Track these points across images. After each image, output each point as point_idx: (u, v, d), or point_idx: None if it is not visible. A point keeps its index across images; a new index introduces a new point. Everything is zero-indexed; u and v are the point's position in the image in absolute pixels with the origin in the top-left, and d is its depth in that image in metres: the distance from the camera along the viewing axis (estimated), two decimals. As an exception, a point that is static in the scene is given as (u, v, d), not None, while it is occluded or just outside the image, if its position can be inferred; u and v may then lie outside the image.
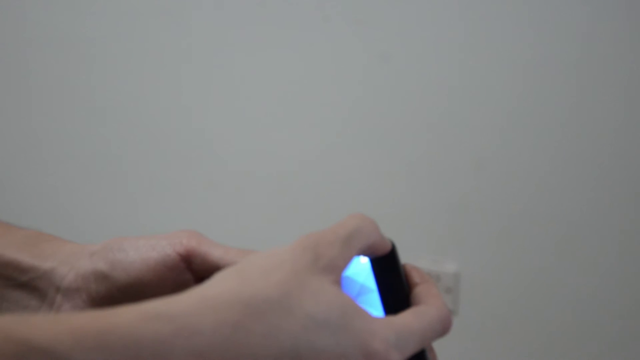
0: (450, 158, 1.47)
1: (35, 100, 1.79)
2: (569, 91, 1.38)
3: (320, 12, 1.51)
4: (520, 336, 1.49)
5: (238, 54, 1.60)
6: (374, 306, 0.48)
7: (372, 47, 1.49)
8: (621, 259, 1.40)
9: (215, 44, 1.61)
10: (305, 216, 1.60)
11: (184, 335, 0.38)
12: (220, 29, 1.60)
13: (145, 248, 0.53)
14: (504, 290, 1.48)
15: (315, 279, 0.41)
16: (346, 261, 0.44)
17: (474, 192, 1.46)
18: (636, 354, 1.42)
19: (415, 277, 0.49)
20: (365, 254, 0.46)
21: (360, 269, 0.49)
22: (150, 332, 0.37)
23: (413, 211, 1.50)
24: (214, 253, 0.53)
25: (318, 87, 1.55)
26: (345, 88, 1.53)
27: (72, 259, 0.54)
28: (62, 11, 1.73)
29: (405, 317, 0.44)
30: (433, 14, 1.43)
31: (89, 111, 1.75)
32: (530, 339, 1.48)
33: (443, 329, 0.45)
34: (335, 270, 0.43)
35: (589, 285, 1.42)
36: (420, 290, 0.48)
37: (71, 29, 1.72)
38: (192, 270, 0.53)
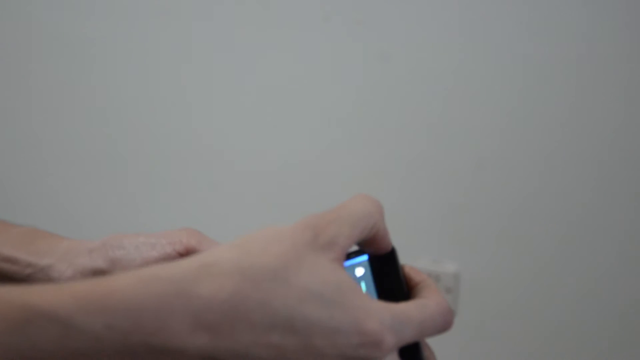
0: (450, 158, 1.47)
1: (35, 100, 1.79)
2: (569, 91, 1.38)
3: (320, 12, 1.51)
4: (520, 336, 1.49)
5: (238, 54, 1.60)
6: None
7: (372, 47, 1.49)
8: (621, 259, 1.40)
9: (215, 44, 1.61)
10: (305, 215, 1.59)
11: (183, 297, 0.38)
12: (220, 29, 1.60)
13: (145, 246, 0.54)
14: (503, 291, 1.48)
15: (314, 255, 0.42)
16: (347, 240, 0.44)
17: (474, 192, 1.46)
18: (636, 354, 1.42)
19: (414, 276, 0.49)
20: (367, 237, 0.46)
21: (359, 267, 0.49)
22: (150, 294, 0.38)
23: (413, 211, 1.50)
24: None
25: (318, 87, 1.55)
26: (345, 88, 1.53)
27: (70, 255, 0.54)
28: (61, 11, 1.73)
29: (405, 305, 0.44)
30: (433, 14, 1.43)
31: (89, 111, 1.75)
32: (530, 339, 1.48)
33: (444, 322, 0.45)
34: (334, 247, 0.43)
35: (589, 285, 1.42)
36: (420, 287, 0.48)
37: (71, 29, 1.72)
38: None
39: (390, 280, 0.49)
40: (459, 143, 1.46)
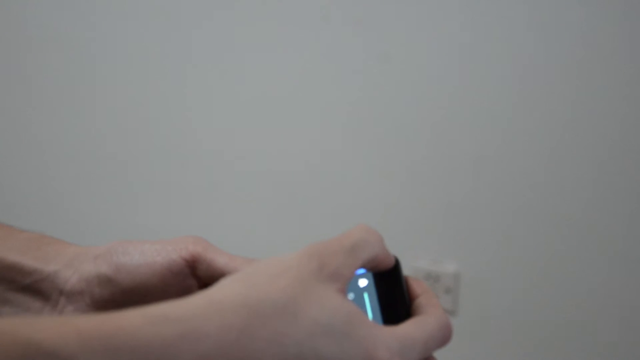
0: (450, 158, 1.47)
1: (36, 101, 1.79)
2: (569, 91, 1.38)
3: (320, 12, 1.51)
4: (520, 336, 1.49)
5: (238, 54, 1.60)
6: (374, 319, 0.49)
7: (372, 47, 1.49)
8: (621, 259, 1.40)
9: (215, 44, 1.61)
10: (306, 216, 1.60)
11: (191, 338, 0.38)
12: (220, 29, 1.60)
13: (150, 252, 0.53)
14: (503, 290, 1.48)
15: (321, 286, 0.42)
16: (350, 270, 0.44)
17: (474, 192, 1.46)
18: (637, 354, 1.42)
19: (416, 289, 0.50)
20: (369, 266, 0.46)
21: (362, 279, 0.49)
22: (156, 335, 0.37)
23: (413, 211, 1.50)
24: (220, 260, 0.53)
25: (318, 87, 1.55)
26: (345, 88, 1.53)
27: (75, 262, 0.54)
28: (61, 11, 1.73)
29: (407, 327, 0.44)
30: (433, 14, 1.44)
31: (88, 112, 1.75)
32: (529, 339, 1.48)
33: (443, 337, 0.45)
34: (340, 279, 0.43)
35: (589, 285, 1.42)
36: (420, 301, 0.48)
37: (71, 29, 1.72)
38: (197, 276, 0.53)
39: (394, 292, 0.49)
40: (459, 143, 1.46)
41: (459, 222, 1.49)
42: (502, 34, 1.40)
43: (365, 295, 0.49)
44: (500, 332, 1.50)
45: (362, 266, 0.45)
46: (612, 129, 1.37)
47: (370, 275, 0.49)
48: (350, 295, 0.49)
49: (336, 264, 0.43)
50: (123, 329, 0.37)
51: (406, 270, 0.49)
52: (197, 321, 0.39)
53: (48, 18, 1.74)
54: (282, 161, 1.60)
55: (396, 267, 0.49)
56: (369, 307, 0.49)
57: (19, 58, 1.79)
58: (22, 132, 1.82)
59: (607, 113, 1.36)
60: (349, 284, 0.44)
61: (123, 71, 1.70)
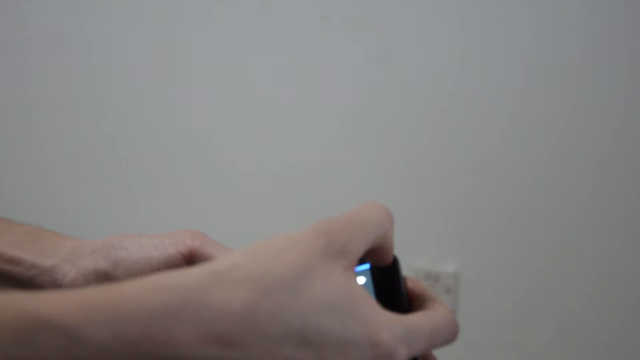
0: (450, 158, 1.47)
1: (35, 100, 1.79)
2: (568, 91, 1.38)
3: (320, 12, 1.51)
4: (520, 336, 1.49)
5: (238, 54, 1.60)
6: None
7: (372, 47, 1.49)
8: (621, 259, 1.40)
9: (215, 44, 1.61)
10: (306, 216, 1.59)
11: (192, 308, 0.38)
12: (220, 29, 1.60)
13: (148, 247, 0.53)
14: (503, 290, 1.48)
15: (327, 263, 0.41)
16: (360, 247, 0.43)
17: (474, 192, 1.46)
18: (636, 354, 1.42)
19: (414, 288, 0.49)
20: (376, 246, 0.46)
21: (360, 276, 0.49)
22: (159, 303, 0.37)
23: (413, 211, 1.50)
24: (218, 254, 0.53)
25: (318, 87, 1.55)
26: (344, 88, 1.53)
27: (73, 256, 0.54)
28: (61, 11, 1.73)
29: (414, 317, 0.44)
30: (433, 14, 1.43)
31: (88, 111, 1.75)
32: (529, 339, 1.48)
33: (451, 334, 0.45)
34: (347, 255, 0.42)
35: (589, 284, 1.42)
36: (424, 299, 0.48)
37: (71, 28, 1.72)
38: None
39: (392, 290, 0.49)
40: (459, 143, 1.46)
41: (459, 222, 1.49)
42: (502, 34, 1.40)
43: None
44: (500, 332, 1.50)
45: (372, 244, 0.44)
46: (612, 129, 1.37)
47: (368, 272, 0.49)
48: None
49: (345, 240, 0.42)
50: (125, 299, 0.37)
51: (406, 270, 0.49)
52: (199, 292, 0.38)
53: (48, 17, 1.74)
54: (282, 161, 1.60)
55: (395, 264, 0.48)
56: None
57: (19, 58, 1.79)
58: (22, 132, 1.82)
59: (607, 113, 1.36)
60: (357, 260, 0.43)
61: (123, 71, 1.70)
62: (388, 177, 1.52)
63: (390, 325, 0.41)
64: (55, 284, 0.53)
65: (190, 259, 0.53)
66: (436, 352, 0.46)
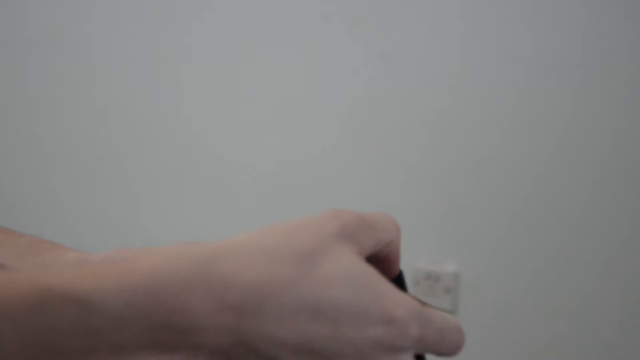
0: (450, 158, 1.47)
1: (35, 100, 1.79)
2: (569, 91, 1.38)
3: (320, 12, 1.51)
4: (520, 336, 1.49)
5: (238, 54, 1.60)
6: None
7: (372, 47, 1.49)
8: (621, 259, 1.40)
9: (215, 44, 1.61)
10: (303, 214, 1.59)
11: (206, 277, 0.38)
12: (220, 29, 1.60)
13: None
14: (503, 290, 1.48)
15: (339, 245, 0.41)
16: (368, 242, 0.43)
17: (474, 192, 1.46)
18: (636, 354, 1.42)
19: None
20: (381, 252, 0.45)
21: None
22: (172, 272, 0.37)
23: (413, 211, 1.50)
24: None
25: (317, 87, 1.55)
26: (344, 88, 1.53)
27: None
28: (61, 11, 1.73)
29: (429, 308, 0.43)
30: (433, 14, 1.44)
31: (88, 111, 1.75)
32: (529, 339, 1.48)
33: (459, 340, 0.44)
34: (359, 244, 0.42)
35: (589, 284, 1.42)
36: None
37: (70, 29, 1.72)
38: None
39: None
40: (459, 143, 1.46)
41: (458, 222, 1.49)
42: (502, 34, 1.40)
43: None
44: (500, 332, 1.50)
45: (378, 246, 0.44)
46: (612, 129, 1.37)
47: None
48: None
49: (356, 229, 0.42)
50: (138, 269, 0.37)
51: (406, 270, 0.48)
52: (213, 261, 0.38)
53: (48, 17, 1.74)
54: (282, 161, 1.60)
55: (400, 278, 0.48)
56: None
57: (19, 58, 1.79)
58: (22, 132, 1.82)
59: (607, 113, 1.36)
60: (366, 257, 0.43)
61: (122, 71, 1.70)
62: (388, 177, 1.52)
63: (405, 302, 0.41)
64: None
65: None
66: (435, 357, 0.46)
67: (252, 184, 1.62)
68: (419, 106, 1.48)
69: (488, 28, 1.41)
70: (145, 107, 1.70)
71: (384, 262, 0.46)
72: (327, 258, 0.40)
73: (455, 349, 0.44)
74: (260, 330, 0.38)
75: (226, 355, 0.38)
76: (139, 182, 1.73)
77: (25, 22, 1.76)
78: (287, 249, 0.40)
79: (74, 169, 1.78)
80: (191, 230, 1.63)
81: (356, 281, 0.40)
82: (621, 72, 1.34)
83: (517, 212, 1.44)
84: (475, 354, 1.54)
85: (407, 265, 1.54)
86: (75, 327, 0.35)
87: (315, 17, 1.52)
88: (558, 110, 1.39)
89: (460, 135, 1.45)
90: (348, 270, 0.40)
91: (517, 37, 1.39)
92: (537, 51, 1.38)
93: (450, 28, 1.43)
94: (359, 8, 1.48)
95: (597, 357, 1.45)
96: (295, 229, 0.41)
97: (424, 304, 0.46)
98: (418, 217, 1.50)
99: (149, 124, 1.70)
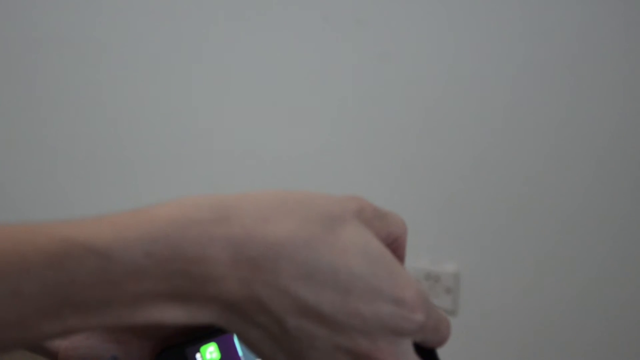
0: (450, 158, 1.47)
1: (39, 101, 1.80)
2: (567, 90, 1.38)
3: (320, 12, 1.51)
4: (520, 336, 1.49)
5: (238, 54, 1.60)
6: None
7: (372, 47, 1.49)
8: (621, 258, 1.40)
9: (214, 44, 1.61)
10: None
11: (225, 226, 0.37)
12: (220, 29, 1.60)
13: None
14: (503, 290, 1.48)
15: (358, 222, 0.41)
16: (381, 231, 0.43)
17: (474, 192, 1.46)
18: (636, 353, 1.42)
19: None
20: (387, 244, 0.45)
21: None
22: (190, 221, 0.37)
23: (413, 211, 1.50)
24: None
25: (317, 86, 1.55)
26: (345, 88, 1.53)
27: None
28: (66, 11, 1.73)
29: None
30: (433, 14, 1.44)
31: (91, 112, 1.75)
32: (529, 339, 1.48)
33: (447, 333, 0.44)
34: (373, 228, 0.42)
35: (588, 284, 1.42)
36: None
37: (77, 29, 1.72)
38: None
39: None
40: (460, 143, 1.46)
41: (458, 222, 1.49)
42: (501, 34, 1.40)
43: None
44: (500, 332, 1.50)
45: (388, 239, 0.44)
46: (612, 128, 1.37)
47: None
48: None
49: (373, 215, 0.43)
50: (157, 218, 0.37)
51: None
52: (233, 210, 0.38)
53: (51, 17, 1.74)
54: (282, 161, 1.60)
55: None
56: None
57: (21, 58, 1.79)
58: (27, 133, 1.82)
59: (605, 112, 1.36)
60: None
61: (122, 70, 1.70)
62: (388, 177, 1.52)
63: (416, 286, 0.41)
64: None
65: None
66: (438, 351, 0.46)
67: (252, 183, 1.63)
68: (419, 106, 1.48)
69: (487, 28, 1.41)
70: (146, 107, 1.70)
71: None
72: (348, 227, 0.40)
73: (442, 342, 0.44)
74: (274, 285, 0.38)
75: (237, 310, 0.38)
76: (142, 181, 1.73)
77: (30, 23, 1.76)
78: (310, 210, 0.40)
79: (78, 169, 1.78)
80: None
81: (374, 255, 0.40)
82: (620, 72, 1.34)
83: (517, 212, 1.44)
84: (476, 354, 1.54)
85: (408, 265, 1.53)
86: (95, 279, 0.35)
87: (315, 17, 1.52)
88: (557, 110, 1.40)
89: (461, 135, 1.46)
90: (367, 244, 0.40)
91: (516, 37, 1.39)
92: (537, 51, 1.38)
93: (450, 28, 1.43)
94: (359, 8, 1.48)
95: (597, 357, 1.45)
96: (319, 197, 0.41)
97: None
98: (418, 217, 1.50)
99: (148, 123, 1.70)
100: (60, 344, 0.52)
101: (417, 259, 1.52)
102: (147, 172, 1.72)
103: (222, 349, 0.50)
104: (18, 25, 1.78)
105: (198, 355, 0.49)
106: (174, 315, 0.37)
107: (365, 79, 1.51)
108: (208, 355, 0.50)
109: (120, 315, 0.36)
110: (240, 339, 0.39)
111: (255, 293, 0.38)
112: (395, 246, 0.45)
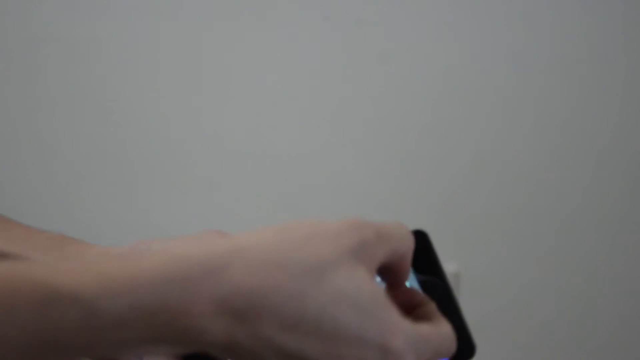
0: (451, 158, 1.47)
1: (39, 101, 1.79)
2: (567, 90, 1.38)
3: (320, 12, 1.51)
4: (520, 336, 1.49)
5: (237, 54, 1.59)
6: None
7: (372, 47, 1.49)
8: (621, 258, 1.40)
9: (214, 44, 1.61)
10: (303, 214, 1.59)
11: (211, 279, 0.38)
12: (219, 29, 1.60)
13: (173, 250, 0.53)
14: (504, 290, 1.48)
15: (354, 261, 0.41)
16: (383, 256, 0.43)
17: (474, 192, 1.46)
18: (636, 353, 1.42)
19: (415, 297, 0.49)
20: (392, 264, 0.45)
21: None
22: (177, 274, 0.37)
23: (412, 211, 1.50)
24: None
25: (317, 86, 1.55)
26: (345, 87, 1.53)
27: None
28: (64, 10, 1.73)
29: (425, 327, 0.44)
30: (433, 14, 1.43)
31: (91, 111, 1.75)
32: (530, 339, 1.48)
33: (449, 349, 0.45)
34: (372, 259, 0.42)
35: (589, 284, 1.42)
36: (427, 310, 0.48)
37: (73, 28, 1.72)
38: None
39: None
40: (459, 143, 1.46)
41: (458, 222, 1.49)
42: (502, 34, 1.40)
43: None
44: (500, 332, 1.50)
45: (392, 257, 0.44)
46: (610, 128, 1.37)
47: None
48: None
49: (374, 244, 0.42)
50: (144, 269, 0.37)
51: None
52: (221, 265, 0.38)
53: (51, 17, 1.74)
54: (282, 160, 1.60)
55: (424, 240, 0.48)
56: None
57: (23, 58, 1.79)
58: (28, 133, 1.82)
59: (605, 112, 1.36)
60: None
61: (122, 70, 1.70)
62: (388, 176, 1.52)
63: (405, 332, 0.41)
64: None
65: None
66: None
67: (252, 183, 1.62)
68: (419, 106, 1.48)
69: (488, 28, 1.41)
70: (146, 107, 1.70)
71: (394, 271, 0.46)
72: (338, 274, 0.40)
73: (443, 357, 0.45)
74: (259, 335, 0.38)
75: (223, 349, 0.39)
76: (142, 180, 1.73)
77: (27, 22, 1.76)
78: (300, 260, 0.40)
79: (78, 169, 1.78)
80: (193, 226, 1.62)
81: (362, 303, 0.40)
82: (620, 72, 1.34)
83: (517, 212, 1.44)
84: (476, 354, 1.54)
85: (407, 265, 1.53)
86: (79, 328, 0.36)
87: (315, 17, 1.52)
88: (557, 109, 1.39)
89: (461, 135, 1.45)
90: (357, 291, 0.40)
91: (517, 36, 1.39)
92: (537, 50, 1.38)
93: (450, 28, 1.43)
94: (359, 8, 1.48)
95: (598, 357, 1.44)
96: (315, 236, 0.41)
97: (428, 302, 0.47)
98: (418, 217, 1.50)
99: (151, 123, 1.70)
100: None
101: (417, 259, 1.52)
102: (148, 172, 1.72)
103: None
104: (18, 25, 1.78)
105: None
106: (163, 350, 0.38)
107: (365, 79, 1.51)
108: None
109: (106, 353, 0.37)
110: None
111: (239, 341, 0.38)
112: (401, 261, 0.45)
